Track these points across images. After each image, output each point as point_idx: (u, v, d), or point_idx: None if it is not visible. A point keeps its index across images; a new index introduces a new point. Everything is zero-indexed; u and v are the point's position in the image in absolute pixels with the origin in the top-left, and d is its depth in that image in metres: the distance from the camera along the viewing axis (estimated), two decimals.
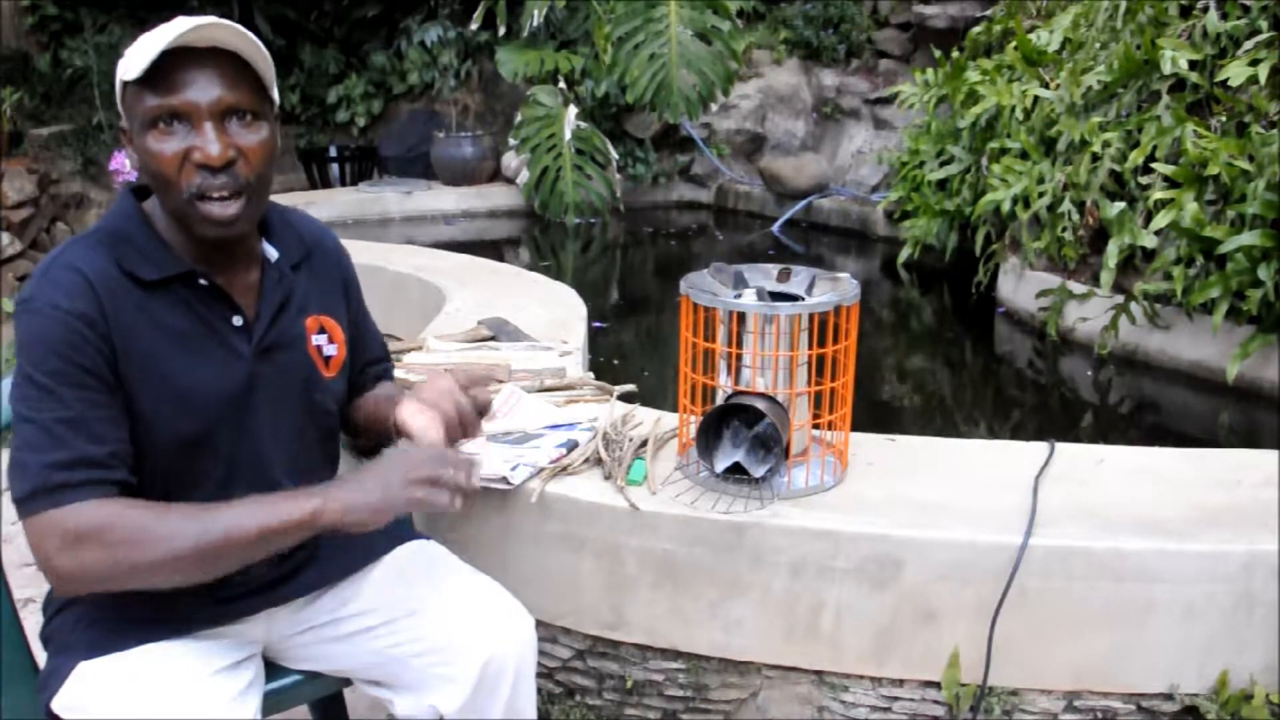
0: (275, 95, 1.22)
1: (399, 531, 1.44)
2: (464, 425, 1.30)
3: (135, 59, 1.11)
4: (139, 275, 1.17)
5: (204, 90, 1.12)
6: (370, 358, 1.49)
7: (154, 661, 1.19)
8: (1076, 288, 3.44)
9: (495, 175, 6.19)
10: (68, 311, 1.12)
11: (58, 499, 1.08)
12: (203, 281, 1.21)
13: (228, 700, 1.19)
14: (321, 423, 1.35)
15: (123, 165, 4.07)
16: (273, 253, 1.29)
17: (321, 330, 1.33)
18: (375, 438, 1.47)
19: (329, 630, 1.36)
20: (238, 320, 1.23)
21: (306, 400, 1.31)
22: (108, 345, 1.13)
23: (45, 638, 1.26)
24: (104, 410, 1.13)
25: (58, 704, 1.19)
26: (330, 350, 1.34)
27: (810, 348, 1.57)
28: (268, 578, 1.29)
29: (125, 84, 1.14)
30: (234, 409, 1.23)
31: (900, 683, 1.59)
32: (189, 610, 1.22)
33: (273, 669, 1.36)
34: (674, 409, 1.77)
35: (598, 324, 2.71)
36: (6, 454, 1.12)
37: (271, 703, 1.32)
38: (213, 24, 1.11)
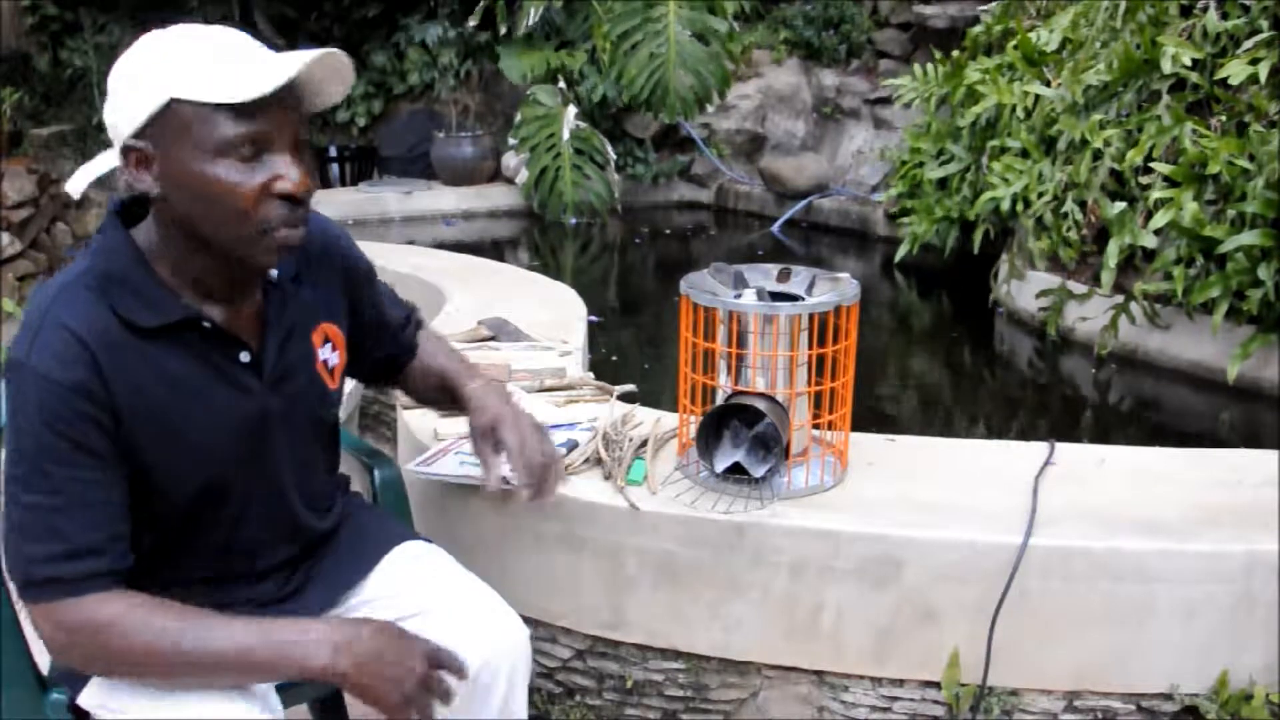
0: None
1: (396, 534, 1.44)
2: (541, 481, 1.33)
3: (230, 80, 1.02)
4: (137, 323, 1.09)
5: (287, 117, 1.06)
6: (397, 324, 1.46)
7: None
8: (1076, 288, 3.44)
9: (495, 175, 6.19)
10: (59, 383, 1.04)
11: (53, 593, 1.06)
12: (206, 325, 1.14)
13: (256, 697, 1.18)
14: (328, 436, 1.35)
15: None
16: (272, 272, 1.22)
17: (325, 340, 1.29)
18: (445, 405, 1.52)
19: None
20: (245, 357, 1.17)
21: (316, 419, 1.29)
22: (106, 412, 1.07)
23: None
24: (98, 490, 1.07)
25: (85, 699, 1.16)
26: (334, 360, 1.31)
27: (810, 348, 1.57)
28: (274, 597, 1.28)
29: (179, 102, 1.03)
30: (250, 448, 1.19)
31: (900, 683, 1.59)
32: None
33: None
34: (674, 409, 1.77)
35: (593, 318, 2.71)
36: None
37: None
38: (336, 55, 1.06)
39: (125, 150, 1.07)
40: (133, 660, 1.07)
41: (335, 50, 1.07)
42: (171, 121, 1.04)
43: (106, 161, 1.13)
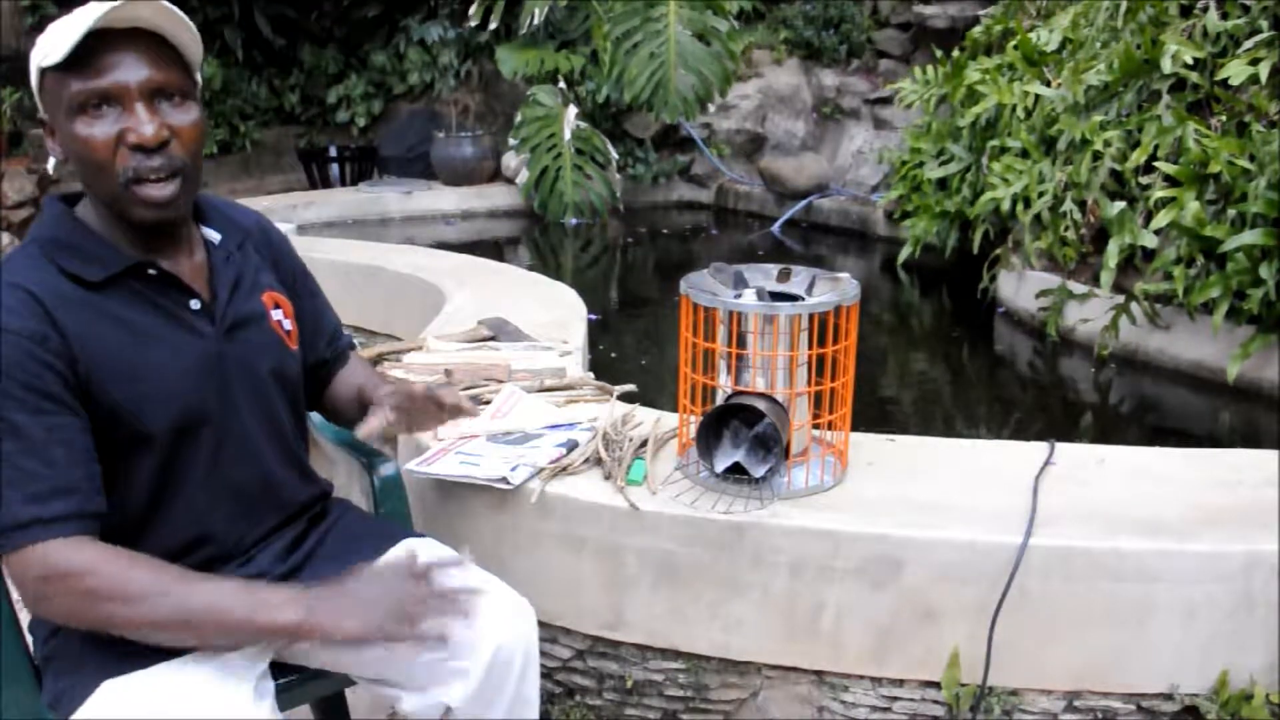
0: (199, 77, 1.20)
1: (397, 530, 1.44)
2: (418, 414, 1.36)
3: (55, 44, 1.09)
4: (85, 278, 1.14)
5: (132, 70, 1.10)
6: (333, 329, 1.51)
7: (179, 676, 1.16)
8: (1077, 288, 3.44)
9: (495, 175, 6.19)
10: (16, 333, 1.08)
11: (34, 534, 1.08)
12: (152, 271, 1.19)
13: (256, 708, 1.18)
14: (292, 393, 1.37)
15: None
16: (214, 235, 1.29)
17: (277, 306, 1.34)
18: (359, 417, 1.49)
19: None
20: (195, 304, 1.22)
21: (278, 373, 1.32)
22: (64, 361, 1.10)
23: (46, 657, 1.23)
24: (66, 433, 1.10)
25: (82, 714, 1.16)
26: (288, 324, 1.36)
27: (810, 348, 1.57)
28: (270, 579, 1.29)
29: (44, 71, 1.11)
30: (212, 390, 1.22)
31: (900, 683, 1.59)
32: None
33: (277, 669, 1.36)
34: (674, 409, 1.77)
35: (591, 316, 2.71)
36: None
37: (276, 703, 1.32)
38: (135, 4, 1.09)
39: (41, 123, 1.18)
40: (106, 608, 1.09)
41: (130, 1, 1.09)
42: (46, 91, 1.14)
43: None
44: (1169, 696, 1.52)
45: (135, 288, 1.18)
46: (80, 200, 1.22)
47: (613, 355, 3.40)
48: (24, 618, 1.31)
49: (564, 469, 1.66)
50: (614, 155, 5.77)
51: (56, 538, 1.08)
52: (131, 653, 1.16)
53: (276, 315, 1.33)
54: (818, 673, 1.61)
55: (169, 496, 1.21)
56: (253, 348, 1.28)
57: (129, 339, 1.16)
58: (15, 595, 1.28)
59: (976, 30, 4.69)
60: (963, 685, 1.55)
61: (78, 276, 1.14)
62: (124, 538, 1.16)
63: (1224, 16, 3.28)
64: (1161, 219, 3.04)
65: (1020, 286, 3.74)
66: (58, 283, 1.13)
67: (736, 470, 1.57)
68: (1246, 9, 3.25)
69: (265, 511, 1.32)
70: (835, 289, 1.61)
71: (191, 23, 1.15)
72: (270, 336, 1.31)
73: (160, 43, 1.13)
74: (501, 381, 1.98)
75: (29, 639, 1.29)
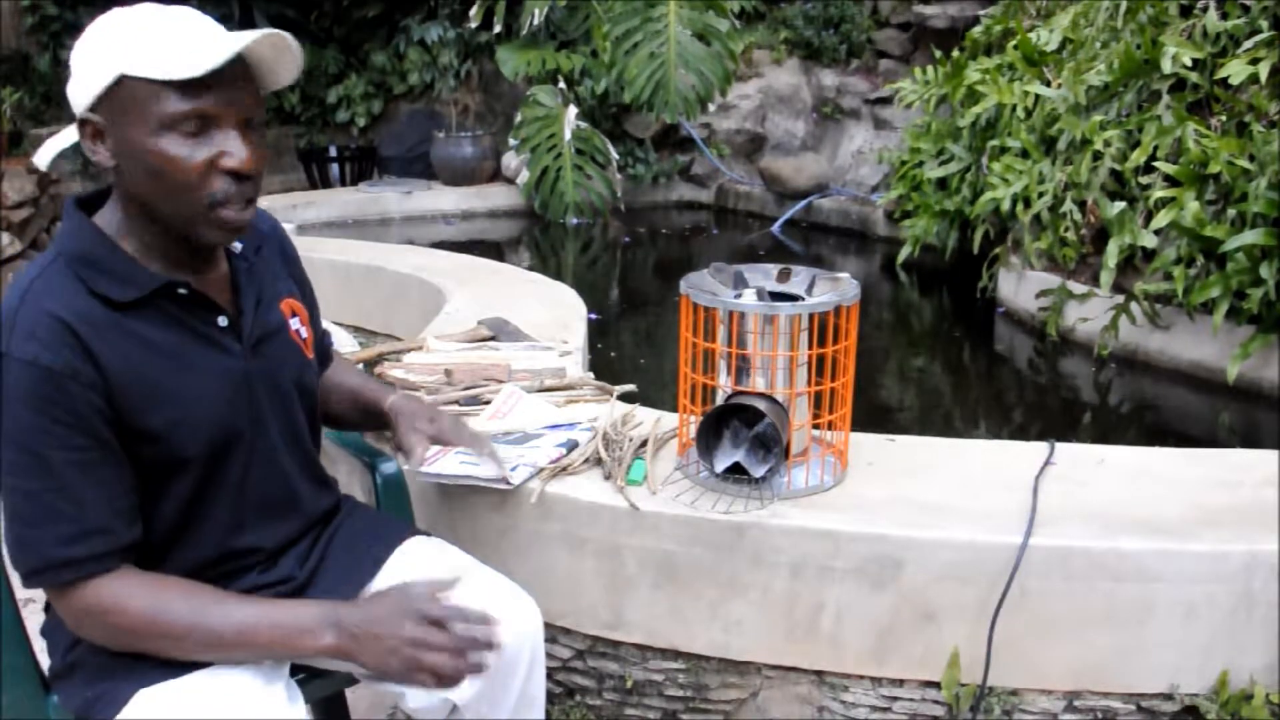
0: None
1: (401, 530, 1.44)
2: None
3: (167, 56, 1.04)
4: (114, 298, 1.11)
5: (234, 95, 1.08)
6: (321, 328, 1.50)
7: (214, 682, 1.16)
8: (1076, 288, 3.44)
9: (495, 175, 6.19)
10: (47, 367, 1.05)
11: (65, 576, 1.09)
12: (182, 291, 1.16)
13: (292, 709, 1.19)
14: (310, 402, 1.36)
15: None
16: (235, 244, 1.26)
17: (294, 314, 1.33)
18: (355, 420, 1.54)
19: None
20: (223, 321, 1.20)
21: (300, 384, 1.32)
22: (99, 393, 1.08)
23: (71, 664, 1.22)
24: (97, 470, 1.09)
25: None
26: (304, 332, 1.35)
27: (810, 348, 1.57)
28: (289, 588, 1.29)
29: (128, 78, 1.06)
30: (242, 409, 1.22)
31: (900, 683, 1.59)
32: None
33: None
34: (674, 409, 1.77)
35: (591, 315, 2.71)
36: None
37: None
38: (273, 36, 1.08)
39: (82, 122, 1.11)
40: (141, 639, 1.12)
41: (278, 31, 1.09)
42: (121, 97, 1.07)
43: (70, 135, 1.16)
44: (1169, 696, 1.53)
45: (165, 307, 1.15)
46: (97, 207, 1.18)
47: (613, 355, 3.40)
48: (31, 621, 1.31)
49: (564, 469, 1.66)
50: (614, 155, 5.77)
51: (88, 579, 1.09)
52: (165, 661, 1.16)
53: (294, 324, 1.33)
54: (818, 673, 1.61)
55: (199, 514, 1.20)
56: (276, 362, 1.27)
57: (162, 364, 1.14)
58: (19, 596, 1.28)
59: (976, 30, 4.69)
60: (963, 685, 1.55)
61: (105, 297, 1.11)
62: (152, 554, 1.17)
63: (1224, 16, 3.28)
64: (1161, 219, 3.05)
65: (1020, 286, 3.74)
66: (87, 304, 1.09)
67: (736, 470, 1.57)
68: (1246, 9, 3.25)
69: (288, 521, 1.31)
70: (835, 289, 1.61)
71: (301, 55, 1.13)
72: (291, 348, 1.31)
73: (246, 67, 1.11)
74: (501, 381, 1.98)
75: (37, 642, 1.29)
